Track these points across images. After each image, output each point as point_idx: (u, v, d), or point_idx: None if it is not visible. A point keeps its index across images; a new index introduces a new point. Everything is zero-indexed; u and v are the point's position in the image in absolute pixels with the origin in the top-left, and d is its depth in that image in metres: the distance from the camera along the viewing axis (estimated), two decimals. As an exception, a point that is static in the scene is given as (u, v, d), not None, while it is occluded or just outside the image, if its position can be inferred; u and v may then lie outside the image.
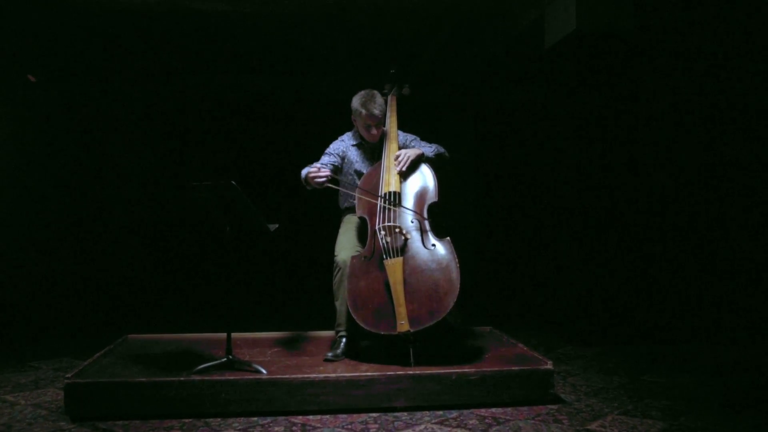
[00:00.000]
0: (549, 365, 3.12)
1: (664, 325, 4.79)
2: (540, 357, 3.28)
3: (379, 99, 3.60)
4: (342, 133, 3.86)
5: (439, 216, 3.48)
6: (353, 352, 3.48)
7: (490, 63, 6.42)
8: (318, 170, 3.37)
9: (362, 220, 3.54)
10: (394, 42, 5.83)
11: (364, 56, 6.12)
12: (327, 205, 3.73)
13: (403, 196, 3.47)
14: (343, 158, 3.74)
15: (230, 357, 3.17)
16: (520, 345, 3.62)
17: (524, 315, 5.71)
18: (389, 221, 3.37)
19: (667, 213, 4.88)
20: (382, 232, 3.34)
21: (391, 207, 3.40)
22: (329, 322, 3.65)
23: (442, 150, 3.73)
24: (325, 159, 3.71)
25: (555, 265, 4.93)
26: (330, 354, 3.42)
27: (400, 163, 3.48)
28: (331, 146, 3.78)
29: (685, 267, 4.94)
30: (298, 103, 7.27)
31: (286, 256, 7.24)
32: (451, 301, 3.16)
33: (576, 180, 4.56)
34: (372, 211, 3.46)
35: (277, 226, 3.23)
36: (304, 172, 3.50)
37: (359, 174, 3.69)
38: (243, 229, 3.28)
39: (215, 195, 3.15)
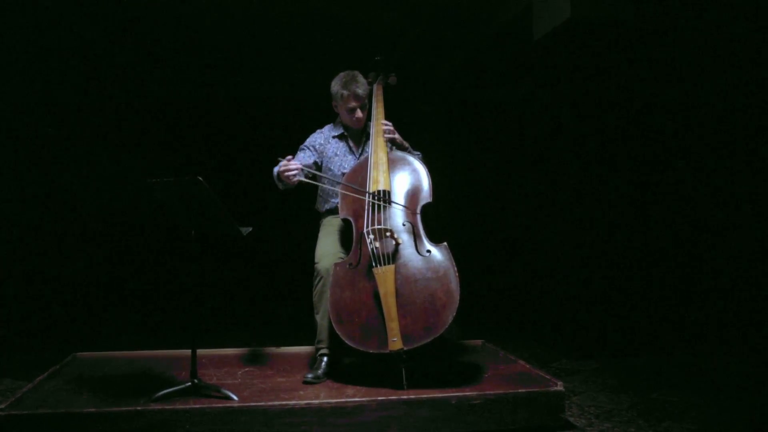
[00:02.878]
0: (559, 386, 2.79)
1: (661, 335, 4.51)
2: (547, 377, 2.94)
3: (362, 78, 3.34)
4: (321, 127, 3.52)
5: (432, 219, 3.12)
6: (336, 373, 3.10)
7: (471, 57, 6.12)
8: (288, 162, 3.00)
9: (346, 222, 3.16)
10: (372, 31, 5.52)
11: (342, 46, 5.79)
12: (306, 206, 3.36)
13: (393, 196, 3.09)
14: (321, 152, 3.38)
15: (195, 381, 2.79)
16: (521, 362, 3.29)
17: (509, 326, 5.38)
18: (378, 223, 2.98)
19: (665, 214, 4.60)
20: (371, 236, 2.95)
21: (382, 203, 3.02)
22: (308, 338, 3.30)
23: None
24: (300, 156, 3.35)
25: (545, 272, 4.64)
26: (310, 375, 3.03)
27: (387, 132, 3.21)
28: (308, 139, 3.46)
29: (681, 274, 4.67)
30: (272, 98, 6.90)
31: (259, 263, 6.83)
32: (450, 314, 2.80)
33: (568, 182, 4.30)
34: (358, 212, 3.07)
35: (250, 229, 2.82)
36: (276, 169, 3.14)
37: (343, 171, 3.32)
38: (211, 232, 2.88)
39: (179, 193, 2.74)
